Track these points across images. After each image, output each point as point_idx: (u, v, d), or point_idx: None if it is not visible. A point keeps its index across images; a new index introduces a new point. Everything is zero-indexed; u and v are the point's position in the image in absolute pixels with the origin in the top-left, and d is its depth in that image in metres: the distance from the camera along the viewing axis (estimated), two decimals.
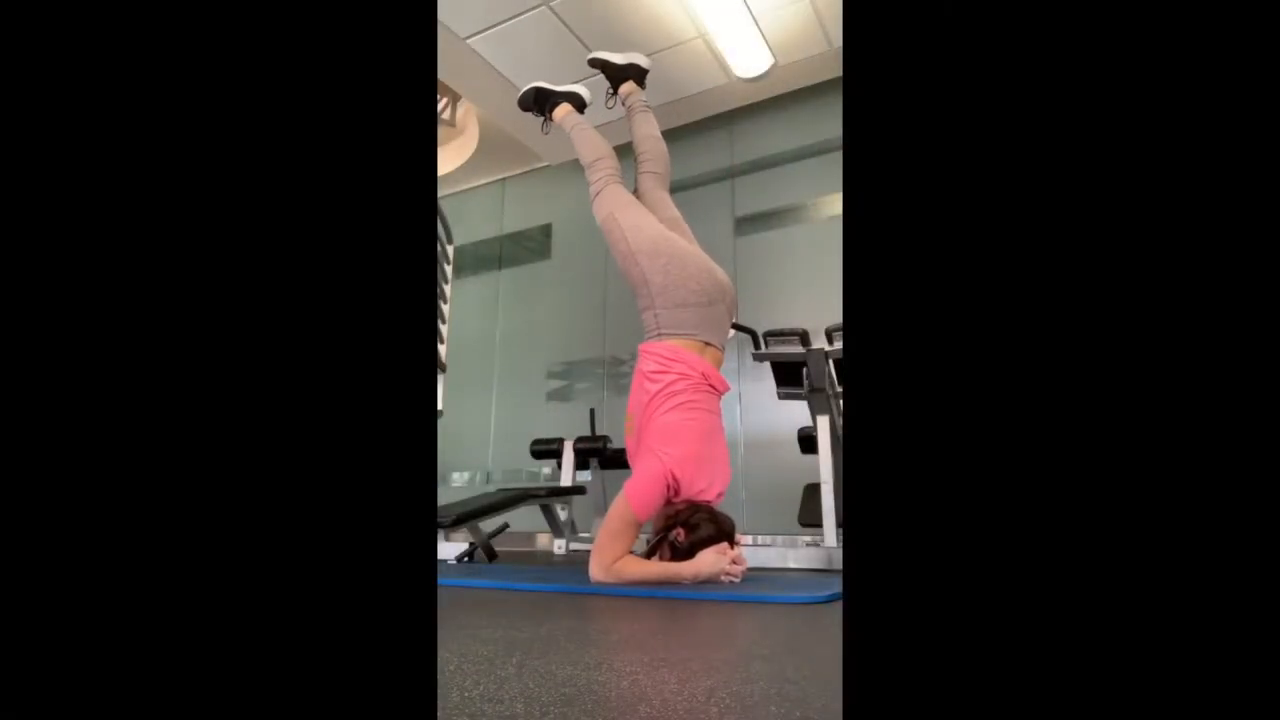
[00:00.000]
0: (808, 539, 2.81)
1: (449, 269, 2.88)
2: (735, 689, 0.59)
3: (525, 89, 2.24)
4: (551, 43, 3.23)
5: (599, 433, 3.24)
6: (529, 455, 3.34)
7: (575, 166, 4.33)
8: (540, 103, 2.23)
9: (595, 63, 2.29)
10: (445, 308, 2.79)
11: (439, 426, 2.14)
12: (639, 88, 2.27)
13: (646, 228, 1.87)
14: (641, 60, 2.28)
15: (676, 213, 2.04)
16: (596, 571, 1.53)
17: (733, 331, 1.94)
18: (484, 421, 4.48)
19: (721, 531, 1.55)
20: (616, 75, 2.27)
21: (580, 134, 2.11)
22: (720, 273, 1.86)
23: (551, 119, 2.23)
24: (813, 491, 2.56)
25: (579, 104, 2.22)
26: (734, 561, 1.52)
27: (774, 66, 3.44)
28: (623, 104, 2.27)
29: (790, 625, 0.99)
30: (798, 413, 2.85)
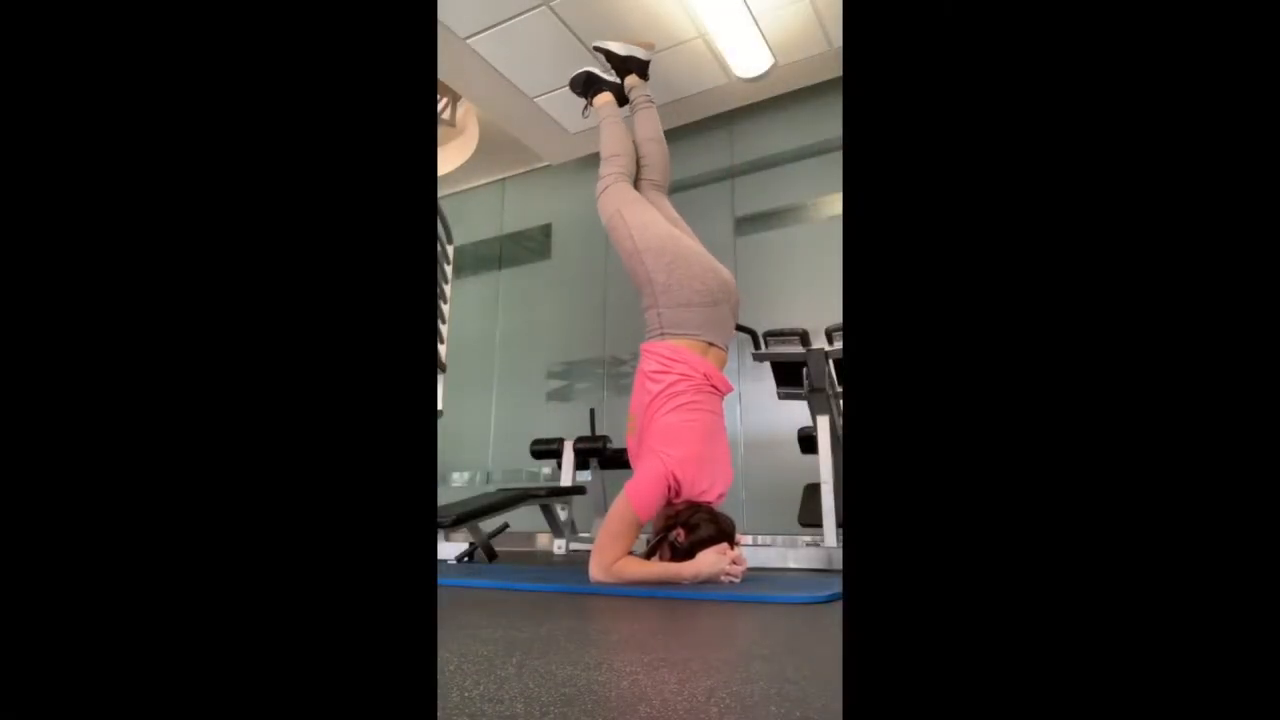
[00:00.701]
0: (808, 539, 2.80)
1: (449, 269, 2.88)
2: (735, 689, 0.59)
3: (578, 71, 2.32)
4: (551, 43, 3.23)
5: (599, 433, 3.23)
6: (529, 455, 3.34)
7: (575, 166, 4.38)
8: (588, 87, 2.31)
9: (598, 50, 2.37)
10: (445, 308, 2.79)
11: (439, 426, 2.14)
12: (642, 80, 2.32)
13: (653, 225, 1.88)
14: (640, 53, 2.33)
15: (676, 214, 2.06)
16: (596, 572, 1.53)
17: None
18: (484, 421, 4.48)
19: (721, 532, 1.55)
20: (618, 67, 2.33)
21: (610, 125, 2.18)
22: (725, 272, 1.86)
23: (593, 104, 2.31)
24: (813, 491, 2.56)
25: (621, 98, 2.30)
26: (734, 562, 1.52)
27: (774, 66, 3.43)
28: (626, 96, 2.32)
29: (790, 625, 0.99)
30: (798, 413, 2.85)
